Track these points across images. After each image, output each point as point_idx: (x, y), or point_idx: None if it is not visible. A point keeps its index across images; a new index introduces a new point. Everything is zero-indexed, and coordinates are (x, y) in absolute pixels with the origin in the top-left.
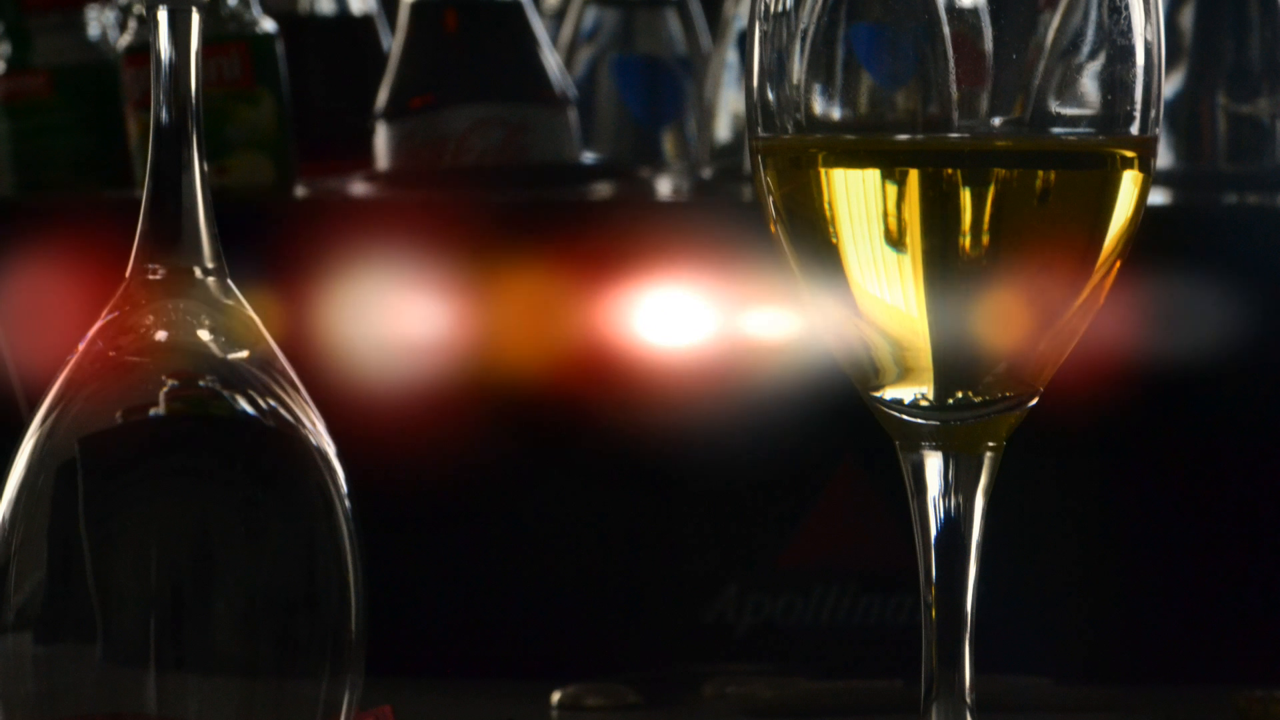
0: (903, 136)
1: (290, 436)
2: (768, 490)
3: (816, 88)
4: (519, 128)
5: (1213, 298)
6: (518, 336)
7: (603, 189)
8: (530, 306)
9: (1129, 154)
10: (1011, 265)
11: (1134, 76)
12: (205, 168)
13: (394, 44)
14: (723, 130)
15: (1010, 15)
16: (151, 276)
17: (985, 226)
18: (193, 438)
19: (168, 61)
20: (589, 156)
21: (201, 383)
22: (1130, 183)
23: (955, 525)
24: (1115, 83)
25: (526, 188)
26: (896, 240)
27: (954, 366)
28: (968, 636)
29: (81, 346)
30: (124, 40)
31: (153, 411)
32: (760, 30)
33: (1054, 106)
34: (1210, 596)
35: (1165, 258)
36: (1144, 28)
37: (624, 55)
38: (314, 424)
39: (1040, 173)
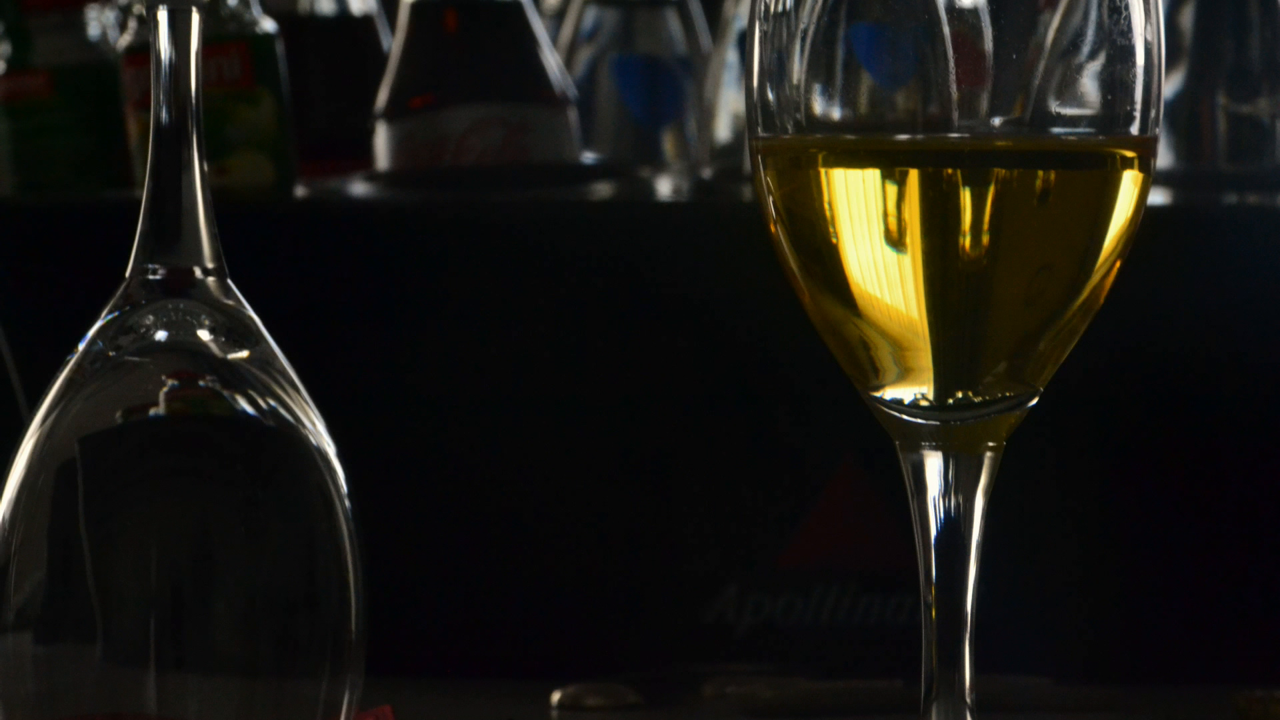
0: (903, 136)
1: (290, 436)
2: (768, 490)
3: (816, 88)
4: (519, 128)
5: (1213, 298)
6: (517, 336)
7: (603, 189)
8: (529, 306)
9: (1129, 154)
10: (1011, 265)
11: (1134, 76)
12: (205, 168)
13: (394, 44)
14: (723, 130)
15: (1010, 15)
16: (151, 276)
17: (985, 226)
18: (193, 438)
19: (168, 61)
20: (589, 156)
21: (201, 383)
22: (1130, 183)
23: (955, 525)
24: (1115, 83)
25: (526, 188)
26: (896, 240)
27: (954, 366)
28: (968, 636)
29: (81, 346)
30: (124, 40)
31: (153, 411)
32: (760, 30)
33: (1054, 106)
34: (1210, 596)
35: (1165, 258)
36: (1144, 28)
37: (624, 55)
38: (314, 424)
39: (1040, 173)
